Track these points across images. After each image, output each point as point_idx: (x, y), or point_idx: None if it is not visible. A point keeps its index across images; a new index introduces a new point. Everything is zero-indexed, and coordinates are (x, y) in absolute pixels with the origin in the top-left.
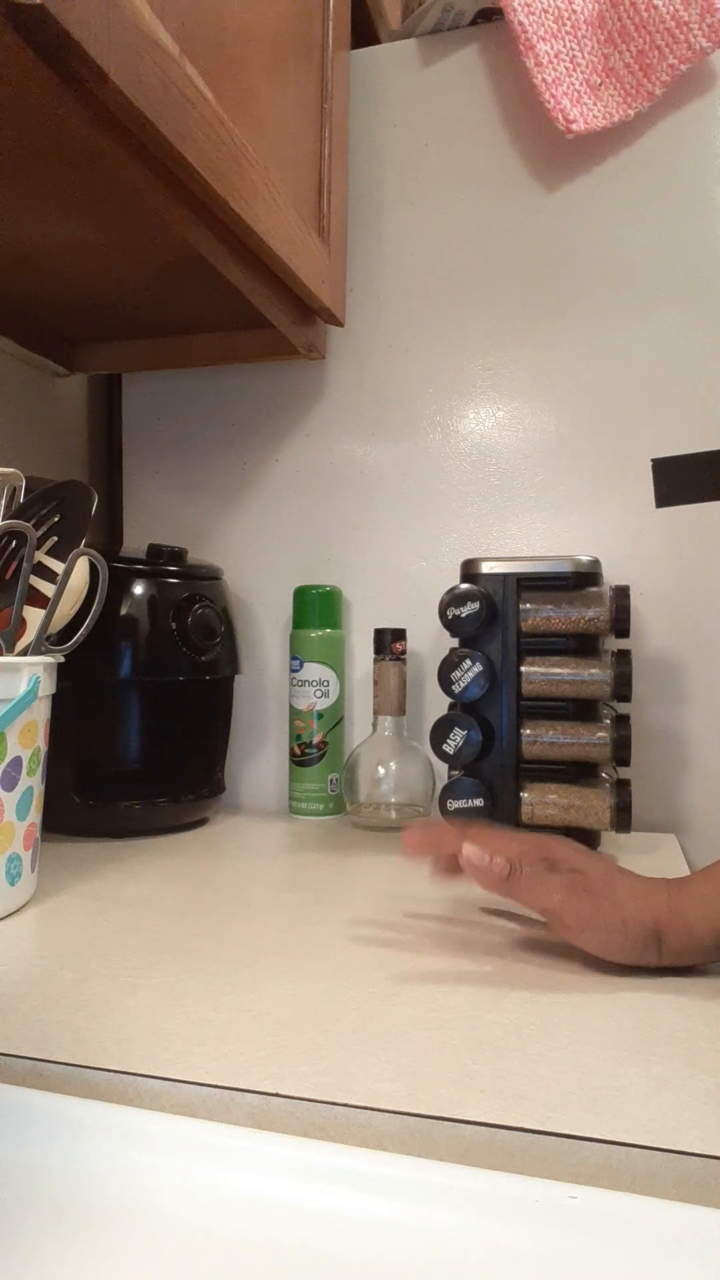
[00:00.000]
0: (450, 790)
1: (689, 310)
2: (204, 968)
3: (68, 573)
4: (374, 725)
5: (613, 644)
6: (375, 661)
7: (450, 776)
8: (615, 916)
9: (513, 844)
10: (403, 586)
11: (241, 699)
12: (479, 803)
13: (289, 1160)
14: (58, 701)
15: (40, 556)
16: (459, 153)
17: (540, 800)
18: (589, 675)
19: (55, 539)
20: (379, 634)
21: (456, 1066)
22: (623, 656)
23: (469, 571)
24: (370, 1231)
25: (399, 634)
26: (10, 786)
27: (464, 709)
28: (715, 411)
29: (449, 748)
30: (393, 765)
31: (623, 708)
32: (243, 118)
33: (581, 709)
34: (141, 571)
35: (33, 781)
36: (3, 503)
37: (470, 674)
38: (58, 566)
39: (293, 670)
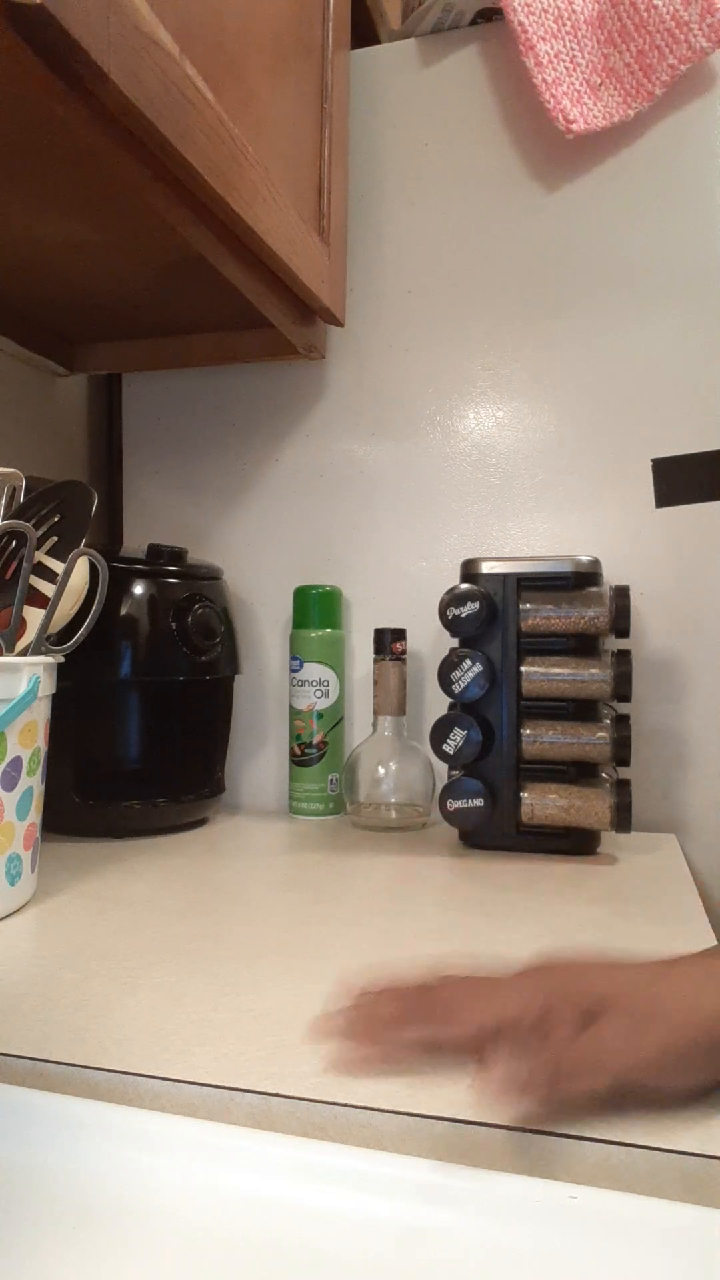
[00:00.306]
0: (450, 790)
1: (689, 310)
2: (204, 968)
3: (68, 573)
4: (374, 725)
5: (613, 644)
6: (375, 661)
7: (450, 776)
8: (676, 1037)
9: (516, 1002)
10: (403, 586)
11: (241, 699)
12: (479, 803)
13: (289, 1160)
14: (58, 701)
15: (40, 556)
16: (459, 153)
17: (540, 800)
18: (589, 675)
19: (55, 539)
20: (379, 634)
21: (456, 1066)
22: (623, 656)
23: (469, 571)
24: (370, 1231)
25: (399, 634)
26: (10, 786)
27: (464, 709)
28: (715, 411)
29: (449, 748)
30: (393, 765)
31: (623, 708)
32: (243, 118)
33: (581, 709)
34: (141, 571)
35: (33, 781)
36: (3, 503)
37: (470, 674)
38: (58, 566)
39: (293, 670)
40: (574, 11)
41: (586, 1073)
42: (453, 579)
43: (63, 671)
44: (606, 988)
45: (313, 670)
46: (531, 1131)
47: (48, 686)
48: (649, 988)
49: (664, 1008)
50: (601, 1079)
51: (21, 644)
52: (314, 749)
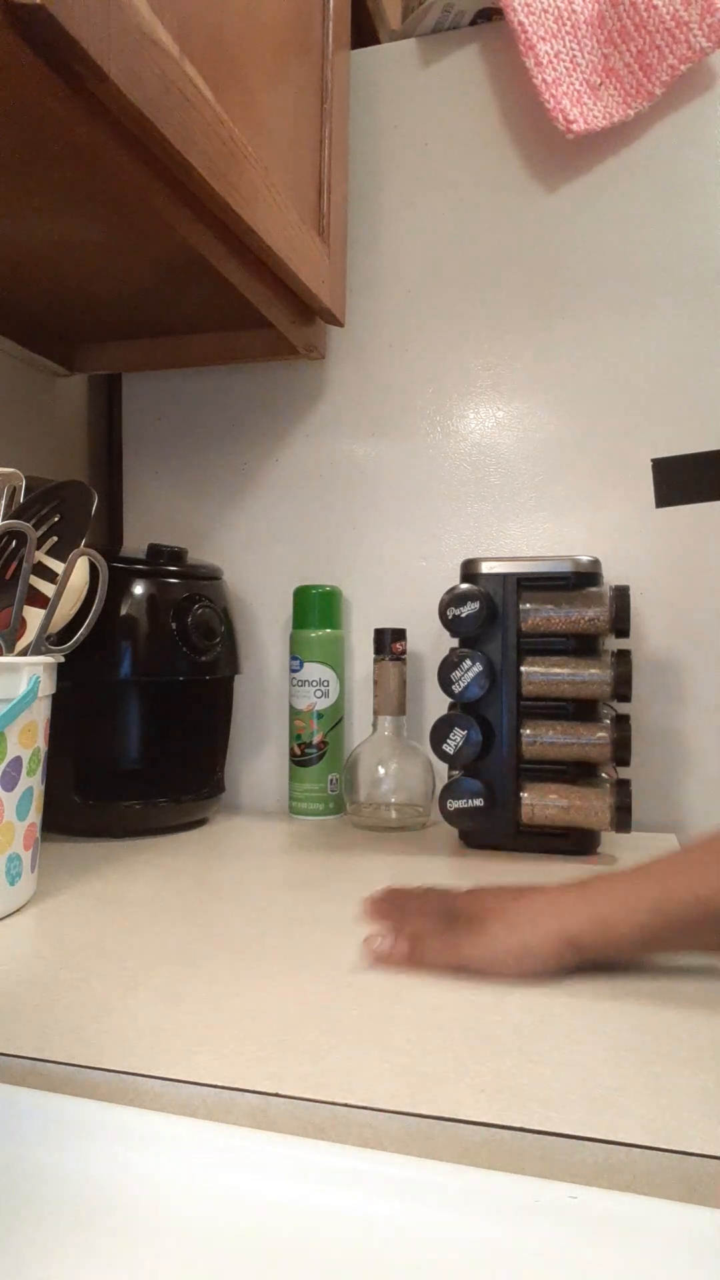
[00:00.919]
0: (450, 790)
1: (689, 310)
2: (204, 968)
3: (68, 573)
4: (374, 725)
5: (613, 644)
6: (375, 661)
7: (450, 776)
8: (517, 943)
9: (411, 912)
10: (403, 586)
11: (241, 699)
12: (479, 803)
13: (289, 1160)
14: (58, 701)
15: (40, 556)
16: (459, 152)
17: (540, 800)
18: (589, 675)
19: (55, 539)
20: (379, 634)
21: (456, 1066)
22: (623, 656)
23: (469, 571)
24: (370, 1231)
25: (399, 634)
26: (10, 786)
27: (464, 709)
28: (715, 411)
29: (449, 748)
30: (393, 765)
31: (623, 708)
32: (243, 118)
33: (581, 709)
34: (141, 571)
35: (33, 781)
36: (3, 503)
37: (470, 674)
38: (58, 566)
39: (293, 670)
40: (574, 11)
41: (437, 960)
42: (453, 579)
43: (63, 671)
44: (474, 906)
45: (313, 670)
46: (532, 1131)
47: (48, 686)
48: (499, 908)
49: (492, 926)
50: (443, 968)
51: (21, 644)
52: (314, 749)
